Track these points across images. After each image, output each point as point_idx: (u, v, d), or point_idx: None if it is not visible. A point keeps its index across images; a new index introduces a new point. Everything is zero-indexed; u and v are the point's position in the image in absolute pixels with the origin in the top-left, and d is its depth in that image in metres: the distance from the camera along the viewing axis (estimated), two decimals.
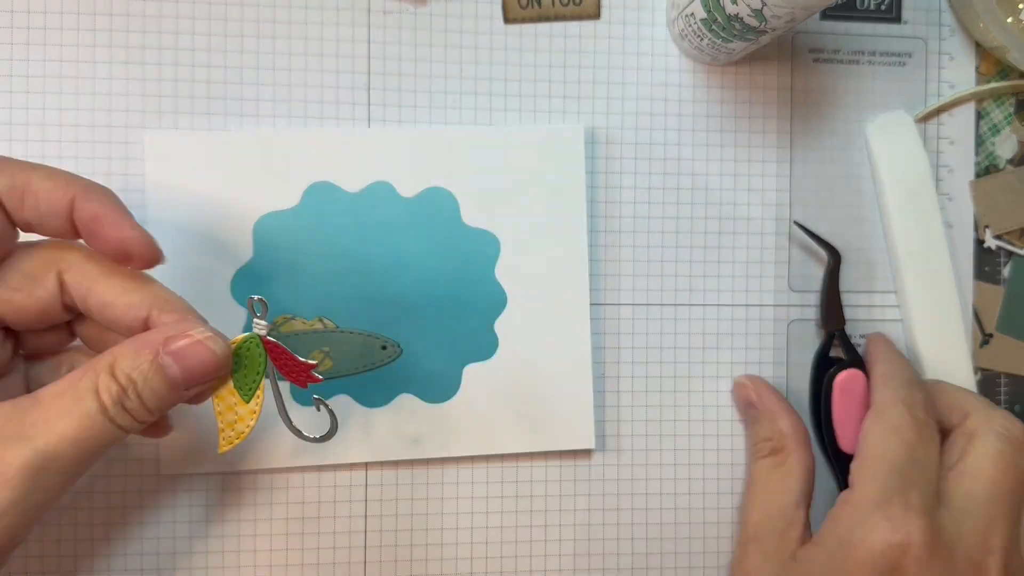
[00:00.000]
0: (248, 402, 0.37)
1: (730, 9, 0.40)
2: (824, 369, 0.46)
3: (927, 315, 0.47)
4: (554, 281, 0.45)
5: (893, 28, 0.48)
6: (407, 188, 0.45)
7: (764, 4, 0.38)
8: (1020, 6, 0.46)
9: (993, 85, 0.48)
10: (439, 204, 0.45)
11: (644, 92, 0.47)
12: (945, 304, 0.47)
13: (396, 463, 0.45)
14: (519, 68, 0.46)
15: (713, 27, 0.42)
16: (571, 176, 0.45)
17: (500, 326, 0.45)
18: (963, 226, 0.49)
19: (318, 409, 0.40)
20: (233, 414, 0.37)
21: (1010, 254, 0.49)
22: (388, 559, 0.45)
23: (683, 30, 0.45)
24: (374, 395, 0.44)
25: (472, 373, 0.45)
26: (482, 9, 0.46)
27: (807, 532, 0.42)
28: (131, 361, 0.33)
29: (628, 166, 0.47)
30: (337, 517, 0.45)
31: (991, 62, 0.49)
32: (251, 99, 0.44)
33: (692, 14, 0.43)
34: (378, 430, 0.44)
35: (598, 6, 0.46)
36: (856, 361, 0.46)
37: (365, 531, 0.45)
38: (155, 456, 0.43)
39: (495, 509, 0.46)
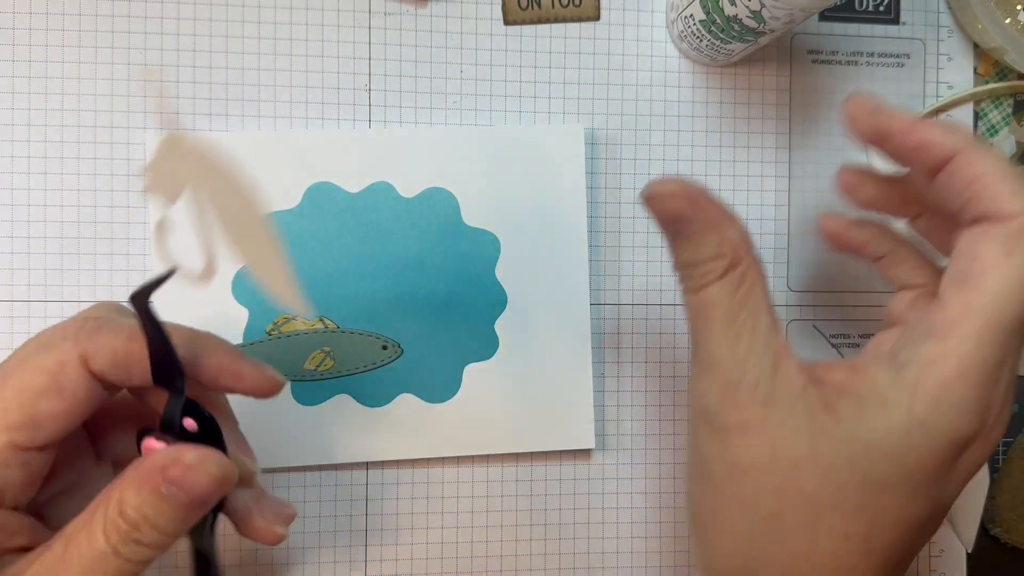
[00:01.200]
0: None
1: (729, 11, 0.40)
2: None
3: None
4: (554, 281, 0.46)
5: (891, 29, 0.48)
6: (407, 188, 0.45)
7: (763, 6, 0.38)
8: (1018, 7, 0.46)
9: (991, 86, 0.49)
10: (439, 204, 0.45)
11: (644, 93, 0.47)
12: None
13: (396, 463, 0.45)
14: (519, 69, 0.46)
15: (712, 28, 0.42)
16: (571, 176, 0.46)
17: (500, 326, 0.45)
18: None
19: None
20: None
21: None
22: (388, 559, 0.45)
23: (682, 31, 0.45)
24: (375, 395, 0.45)
25: (472, 373, 0.45)
26: (482, 10, 0.46)
27: (803, 364, 0.33)
28: (136, 497, 0.30)
29: (628, 167, 0.47)
30: (337, 516, 0.45)
31: (989, 63, 0.49)
32: (251, 100, 0.44)
33: (691, 15, 0.43)
34: (379, 430, 0.45)
35: (598, 7, 0.46)
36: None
37: (365, 531, 0.45)
38: None
39: (495, 508, 0.46)
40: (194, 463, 0.30)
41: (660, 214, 0.33)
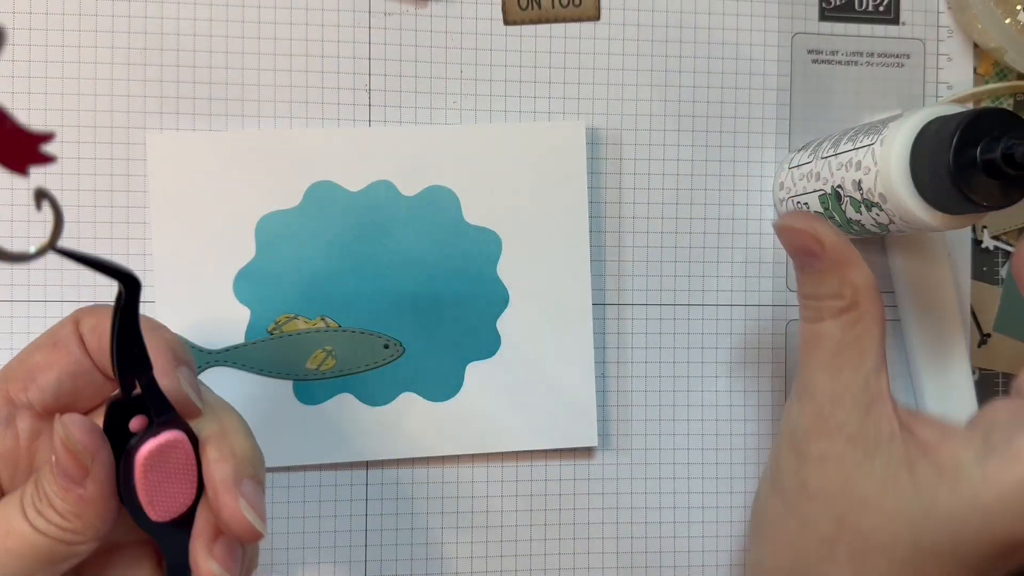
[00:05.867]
0: None
1: (852, 215, 0.40)
2: (121, 441, 0.30)
3: (925, 315, 0.47)
4: (556, 279, 0.46)
5: (891, 29, 0.48)
6: (408, 187, 0.45)
7: (891, 221, 0.38)
8: (1018, 7, 0.46)
9: (991, 86, 0.49)
10: (440, 203, 0.45)
11: (644, 93, 0.47)
12: (943, 304, 0.47)
13: (397, 462, 0.45)
14: (519, 69, 0.46)
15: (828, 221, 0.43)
16: (572, 174, 0.46)
17: (502, 324, 0.45)
18: None
19: (38, 207, 0.25)
20: None
21: (1008, 254, 0.49)
22: (388, 559, 0.45)
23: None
24: (377, 394, 0.45)
25: (474, 371, 0.45)
26: (482, 10, 0.46)
27: (898, 407, 0.34)
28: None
29: (628, 167, 0.47)
30: (337, 516, 0.45)
31: (989, 63, 0.49)
32: (252, 99, 0.44)
33: (805, 204, 0.44)
34: (381, 429, 0.45)
35: (598, 7, 0.46)
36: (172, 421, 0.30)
37: (365, 530, 0.45)
38: None
39: (495, 508, 0.46)
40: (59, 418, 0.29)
41: (790, 246, 0.36)
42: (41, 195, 0.25)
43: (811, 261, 0.35)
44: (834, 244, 0.35)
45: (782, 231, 0.36)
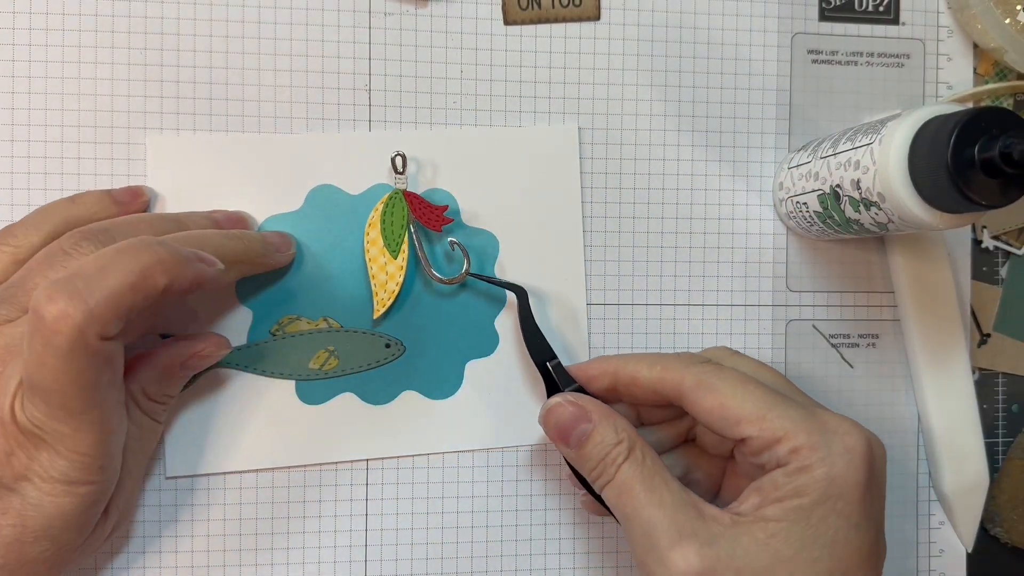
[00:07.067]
0: (396, 258, 0.43)
1: (851, 215, 0.40)
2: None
3: (925, 315, 0.47)
4: (552, 279, 0.46)
5: (891, 29, 0.48)
6: (410, 188, 0.45)
7: (890, 220, 0.38)
8: (1018, 7, 0.46)
9: (991, 86, 0.49)
10: (440, 204, 0.45)
11: (644, 93, 0.47)
12: (943, 304, 0.47)
13: (397, 460, 0.45)
14: (519, 69, 0.46)
15: (827, 221, 0.43)
16: (566, 175, 0.46)
17: (500, 323, 0.46)
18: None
19: (452, 250, 0.44)
20: (384, 273, 0.43)
21: (1008, 254, 0.49)
22: (388, 559, 0.45)
23: (791, 212, 0.45)
24: (378, 393, 0.45)
25: (474, 369, 0.45)
26: (482, 11, 0.46)
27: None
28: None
29: (628, 166, 0.47)
30: (337, 516, 0.45)
31: (989, 63, 0.49)
32: (252, 99, 0.44)
33: (804, 203, 0.44)
34: (382, 427, 0.45)
35: (598, 7, 0.46)
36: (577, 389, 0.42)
37: (365, 530, 0.45)
38: (160, 458, 0.43)
39: (495, 509, 0.46)
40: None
41: (558, 425, 0.40)
42: (453, 243, 0.44)
43: (583, 424, 0.39)
44: (589, 401, 0.40)
45: (546, 418, 0.40)
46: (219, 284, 0.39)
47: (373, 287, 0.44)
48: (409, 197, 0.44)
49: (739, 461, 0.41)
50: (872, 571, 0.37)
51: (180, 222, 0.40)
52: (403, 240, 0.44)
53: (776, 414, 0.37)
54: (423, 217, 0.44)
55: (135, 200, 0.42)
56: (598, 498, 0.39)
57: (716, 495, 0.43)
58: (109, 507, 0.38)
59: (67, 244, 0.36)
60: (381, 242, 0.44)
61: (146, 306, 0.34)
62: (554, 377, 0.42)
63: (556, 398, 0.40)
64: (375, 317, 0.44)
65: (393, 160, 0.44)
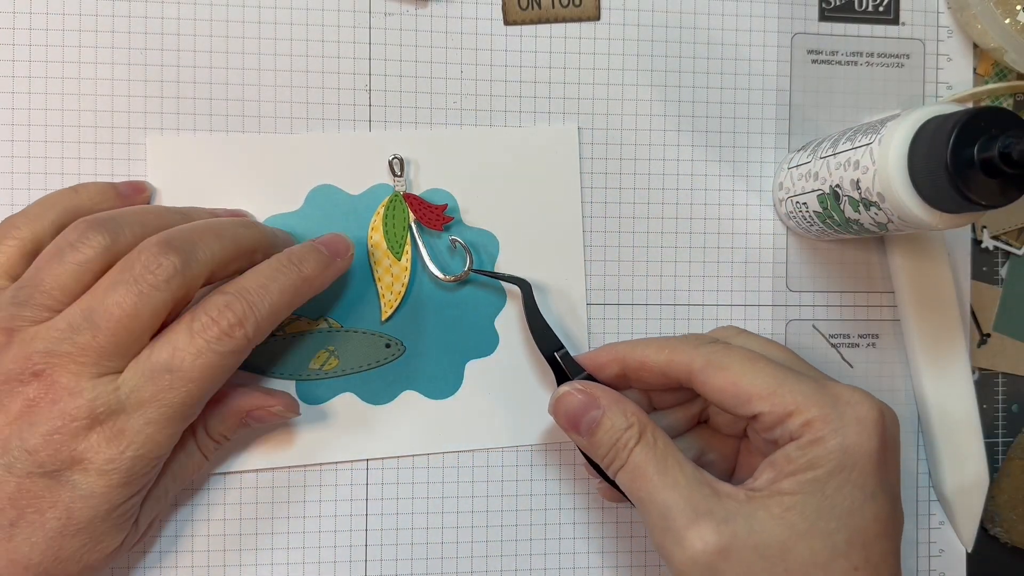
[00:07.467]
0: (400, 259, 0.44)
1: (850, 215, 0.40)
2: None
3: (925, 315, 0.47)
4: (552, 279, 0.46)
5: (891, 29, 0.48)
6: (410, 189, 0.45)
7: (889, 220, 0.38)
8: (1018, 7, 0.46)
9: (991, 86, 0.49)
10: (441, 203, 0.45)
11: (644, 93, 0.47)
12: (943, 304, 0.47)
13: (397, 460, 0.45)
14: (519, 69, 0.46)
15: (827, 221, 0.43)
16: (566, 175, 0.46)
17: (500, 323, 0.46)
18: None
19: (454, 247, 0.45)
20: (390, 275, 0.44)
21: (1007, 254, 0.49)
22: (388, 558, 0.45)
23: (791, 212, 0.45)
24: (378, 393, 0.45)
25: (474, 369, 0.45)
26: (482, 11, 0.46)
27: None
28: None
29: (628, 166, 0.47)
30: (337, 516, 0.45)
31: (989, 63, 0.49)
32: (252, 99, 0.44)
33: (804, 203, 0.44)
34: (382, 426, 0.45)
35: (598, 7, 0.46)
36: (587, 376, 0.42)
37: (365, 530, 0.45)
38: None
39: (495, 509, 0.46)
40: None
41: (568, 413, 0.40)
42: (455, 241, 0.45)
43: (594, 411, 0.39)
44: (600, 389, 0.40)
45: (556, 406, 0.40)
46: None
47: (380, 290, 0.44)
48: (409, 199, 0.44)
49: (752, 439, 0.41)
50: (889, 540, 0.37)
51: (186, 215, 0.40)
52: (406, 241, 0.44)
53: (787, 389, 0.37)
54: (424, 217, 0.44)
55: (138, 194, 0.43)
56: (613, 484, 0.39)
57: (731, 475, 0.43)
58: (139, 517, 0.38)
59: (73, 236, 0.37)
60: (384, 245, 0.44)
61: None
62: (563, 367, 0.42)
63: (565, 387, 0.40)
64: (383, 320, 0.44)
65: (391, 164, 0.44)
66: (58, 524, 0.35)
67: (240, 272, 0.38)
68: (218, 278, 0.38)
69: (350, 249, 0.42)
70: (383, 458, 0.45)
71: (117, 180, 0.43)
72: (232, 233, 0.39)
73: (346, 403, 0.44)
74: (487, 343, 0.46)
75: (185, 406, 0.36)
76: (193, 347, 0.35)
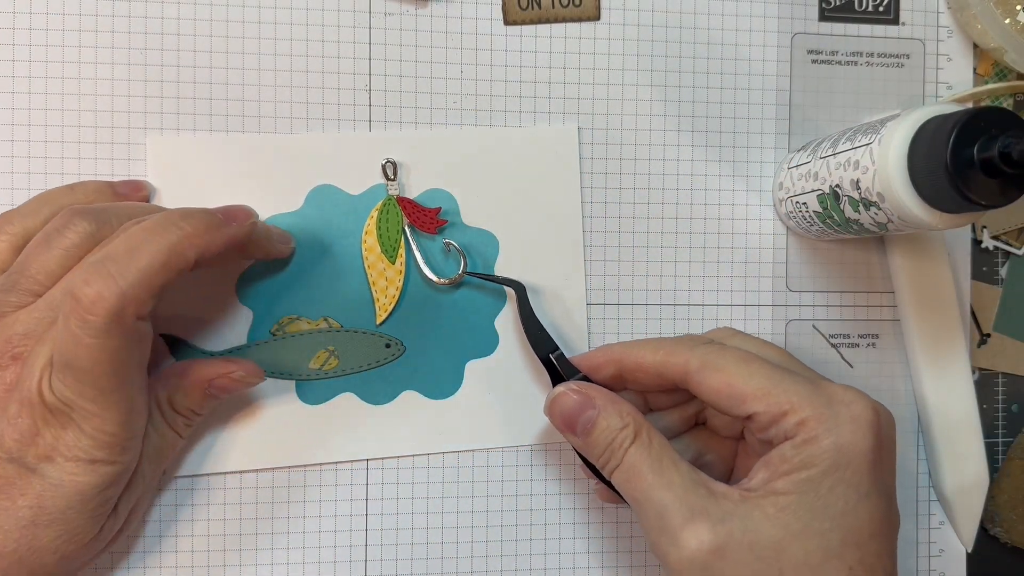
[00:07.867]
0: (394, 263, 0.44)
1: (850, 215, 0.40)
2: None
3: (925, 315, 0.47)
4: (552, 279, 0.46)
5: (891, 29, 0.48)
6: (408, 190, 0.45)
7: (889, 220, 0.38)
8: (1018, 7, 0.46)
9: (991, 86, 0.49)
10: (439, 205, 0.45)
11: (644, 93, 0.47)
12: (943, 304, 0.47)
13: (397, 460, 0.45)
14: (519, 69, 0.46)
15: (827, 221, 0.43)
16: (566, 175, 0.46)
17: (500, 323, 0.46)
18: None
19: (448, 250, 0.45)
20: (384, 279, 0.44)
21: (1007, 254, 0.49)
22: (388, 559, 0.45)
23: (791, 212, 0.45)
24: (378, 393, 0.45)
25: (474, 369, 0.45)
26: (482, 11, 0.46)
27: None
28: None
29: (628, 166, 0.47)
30: (337, 516, 0.45)
31: (989, 63, 0.49)
32: (252, 100, 0.44)
33: (804, 203, 0.44)
34: (382, 426, 0.45)
35: (598, 7, 0.46)
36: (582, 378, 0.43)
37: (365, 530, 0.45)
38: None
39: (495, 509, 0.46)
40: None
41: (563, 414, 0.40)
42: (449, 244, 0.44)
43: (588, 411, 0.39)
44: (595, 389, 0.40)
45: (551, 407, 0.41)
46: (251, 250, 0.41)
47: (374, 293, 0.44)
48: (402, 203, 0.44)
49: (749, 440, 0.41)
50: (884, 540, 0.37)
51: None
52: (399, 245, 0.44)
53: (781, 388, 0.37)
54: (417, 221, 0.44)
55: (136, 193, 0.43)
56: (609, 485, 0.39)
57: (729, 477, 0.43)
58: (119, 505, 0.38)
59: (60, 222, 0.37)
60: (378, 249, 0.44)
61: (179, 279, 0.35)
62: (558, 369, 0.42)
63: (560, 387, 0.40)
64: (378, 324, 0.44)
65: (384, 167, 0.44)
66: (30, 513, 0.35)
67: (221, 257, 0.37)
68: (205, 260, 0.36)
69: (250, 217, 0.39)
70: (383, 458, 0.45)
71: (117, 180, 0.43)
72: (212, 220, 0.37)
73: (346, 403, 0.44)
74: (487, 343, 0.46)
75: (104, 398, 0.34)
76: (70, 338, 0.33)
